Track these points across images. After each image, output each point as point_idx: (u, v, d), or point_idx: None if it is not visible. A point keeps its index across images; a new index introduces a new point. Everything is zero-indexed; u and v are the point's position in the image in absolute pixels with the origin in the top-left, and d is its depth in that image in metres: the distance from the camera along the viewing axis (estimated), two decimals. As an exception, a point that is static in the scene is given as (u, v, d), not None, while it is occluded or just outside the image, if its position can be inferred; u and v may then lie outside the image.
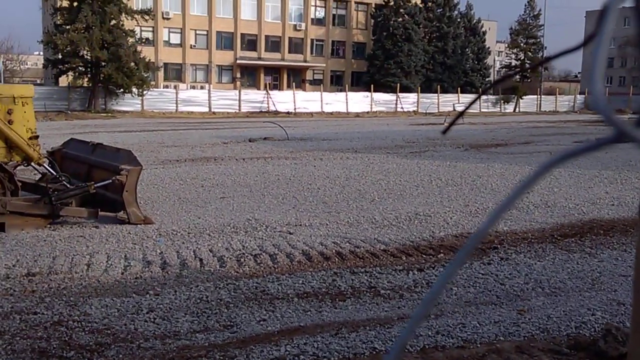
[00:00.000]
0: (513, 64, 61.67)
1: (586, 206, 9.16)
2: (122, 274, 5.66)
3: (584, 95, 63.45)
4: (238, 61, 55.25)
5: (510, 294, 5.20)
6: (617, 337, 3.80)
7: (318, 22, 59.86)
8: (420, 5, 57.09)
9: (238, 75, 55.62)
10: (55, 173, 8.39)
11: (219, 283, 5.36)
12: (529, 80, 60.63)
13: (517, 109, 57.60)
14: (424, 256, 6.36)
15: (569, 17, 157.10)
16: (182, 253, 6.35)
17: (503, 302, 4.98)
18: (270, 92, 47.57)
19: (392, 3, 55.31)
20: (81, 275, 5.56)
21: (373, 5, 58.61)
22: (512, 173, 12.66)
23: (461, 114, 0.99)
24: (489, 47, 64.20)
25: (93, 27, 37.61)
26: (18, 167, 8.56)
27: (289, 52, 58.32)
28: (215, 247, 6.61)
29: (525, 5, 60.88)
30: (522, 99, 57.87)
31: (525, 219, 8.19)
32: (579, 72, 74.29)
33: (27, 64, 79.75)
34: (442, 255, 6.41)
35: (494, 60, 71.66)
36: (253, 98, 46.49)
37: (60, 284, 5.31)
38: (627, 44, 64.69)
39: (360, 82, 57.87)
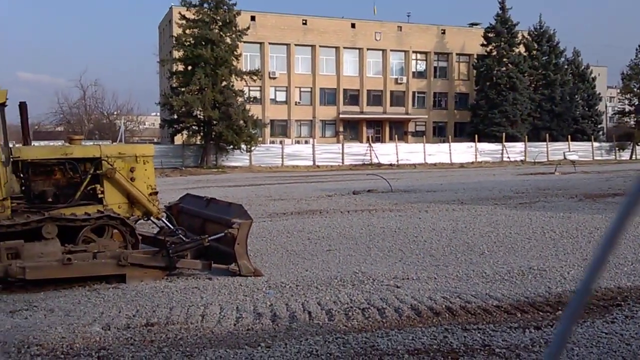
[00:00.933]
0: (627, 109, 58.76)
1: None
2: (235, 325, 5.80)
3: None
4: (341, 115, 56.41)
5: (638, 356, 4.81)
6: None
7: (419, 74, 60.20)
8: (525, 54, 56.01)
9: (341, 129, 56.68)
10: (172, 227, 8.84)
11: (328, 337, 5.35)
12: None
13: (633, 156, 54.46)
14: (541, 313, 6.04)
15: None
16: (291, 305, 6.41)
17: (632, 365, 4.61)
18: (372, 144, 48.01)
19: (494, 53, 54.72)
20: (196, 326, 5.75)
21: (475, 56, 58.23)
22: (633, 225, 11.86)
23: None
24: (599, 93, 61.66)
25: (206, 89, 39.99)
26: (138, 222, 9.12)
27: (391, 105, 58.85)
28: (323, 300, 6.63)
29: (637, 49, 58.25)
30: (638, 145, 54.72)
31: (651, 274, 7.62)
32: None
33: (145, 124, 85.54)
34: (560, 312, 6.06)
35: (606, 107, 68.56)
36: (356, 151, 47.13)
37: (177, 334, 5.50)
38: None
39: (463, 133, 57.15)
